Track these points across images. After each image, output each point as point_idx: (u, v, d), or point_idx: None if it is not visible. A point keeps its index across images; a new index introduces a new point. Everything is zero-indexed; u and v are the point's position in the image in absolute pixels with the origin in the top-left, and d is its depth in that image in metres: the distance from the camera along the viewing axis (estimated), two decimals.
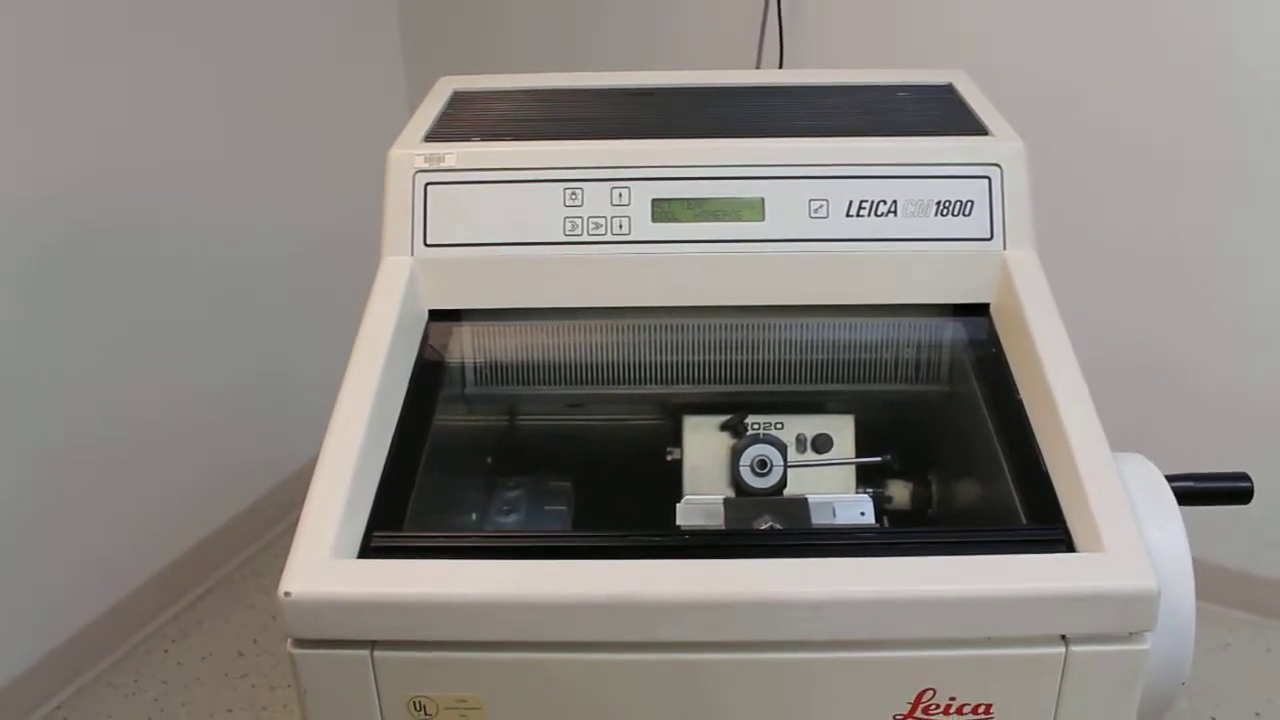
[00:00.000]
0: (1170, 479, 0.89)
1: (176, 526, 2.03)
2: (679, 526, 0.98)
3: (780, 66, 1.92)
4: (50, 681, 1.83)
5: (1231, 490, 0.92)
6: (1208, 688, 1.79)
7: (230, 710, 1.82)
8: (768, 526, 0.95)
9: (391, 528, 0.83)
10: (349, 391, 0.90)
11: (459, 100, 1.19)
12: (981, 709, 0.79)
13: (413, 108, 1.15)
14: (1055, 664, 0.78)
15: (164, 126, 1.85)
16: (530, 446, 1.15)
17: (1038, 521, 0.82)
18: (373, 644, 0.78)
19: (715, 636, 0.76)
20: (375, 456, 0.88)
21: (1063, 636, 0.77)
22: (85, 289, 1.77)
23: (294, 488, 2.14)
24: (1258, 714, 1.76)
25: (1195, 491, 0.89)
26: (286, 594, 0.77)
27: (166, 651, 1.94)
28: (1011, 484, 0.88)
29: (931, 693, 0.79)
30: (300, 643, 0.78)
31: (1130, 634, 0.77)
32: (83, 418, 1.81)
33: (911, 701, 0.79)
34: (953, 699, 0.79)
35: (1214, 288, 1.81)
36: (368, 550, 0.81)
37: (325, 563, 0.78)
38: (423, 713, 0.80)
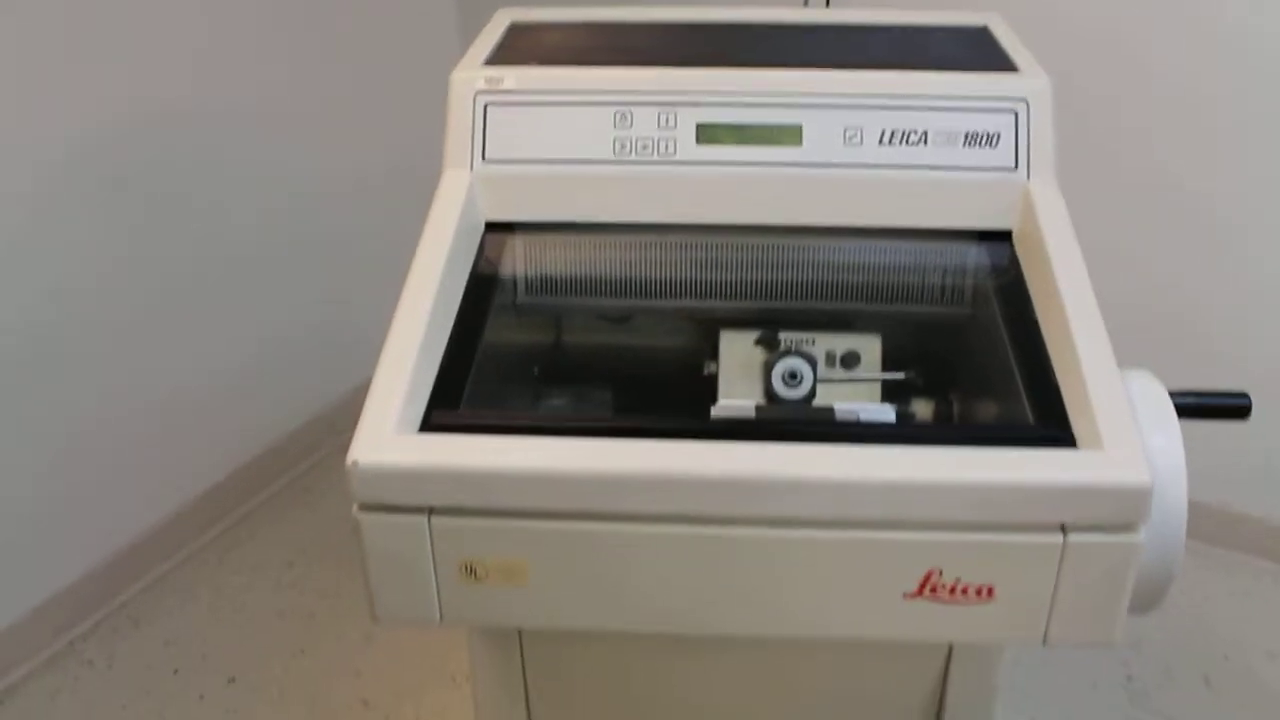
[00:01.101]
0: (1172, 394, 0.95)
1: (230, 444, 2.13)
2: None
3: (827, 6, 1.97)
4: (114, 581, 1.94)
5: (1230, 406, 0.98)
6: (1228, 630, 1.86)
7: (281, 614, 1.92)
8: None
9: (449, 409, 0.91)
10: (412, 288, 0.98)
11: (516, 31, 1.26)
12: (985, 591, 0.86)
13: (465, 44, 1.22)
14: (1054, 552, 0.84)
15: (221, 63, 1.93)
16: (574, 356, 1.22)
17: (1044, 422, 0.89)
18: (430, 510, 0.86)
19: (742, 512, 0.84)
20: (435, 347, 0.95)
21: (1061, 526, 0.84)
22: (149, 224, 1.86)
23: (343, 411, 2.23)
24: (1273, 653, 1.81)
25: (1195, 406, 0.95)
26: (354, 462, 0.85)
27: (221, 561, 2.05)
28: (1023, 394, 0.94)
29: (938, 573, 0.86)
30: (365, 507, 0.86)
31: (1125, 526, 0.84)
32: (141, 344, 1.90)
33: (920, 580, 0.86)
34: (958, 579, 0.86)
35: (1237, 237, 1.85)
36: (428, 426, 0.89)
37: (389, 436, 0.86)
38: (473, 575, 0.88)
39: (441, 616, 0.90)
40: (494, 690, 1.10)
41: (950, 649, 1.05)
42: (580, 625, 0.91)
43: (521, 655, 1.08)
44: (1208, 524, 1.98)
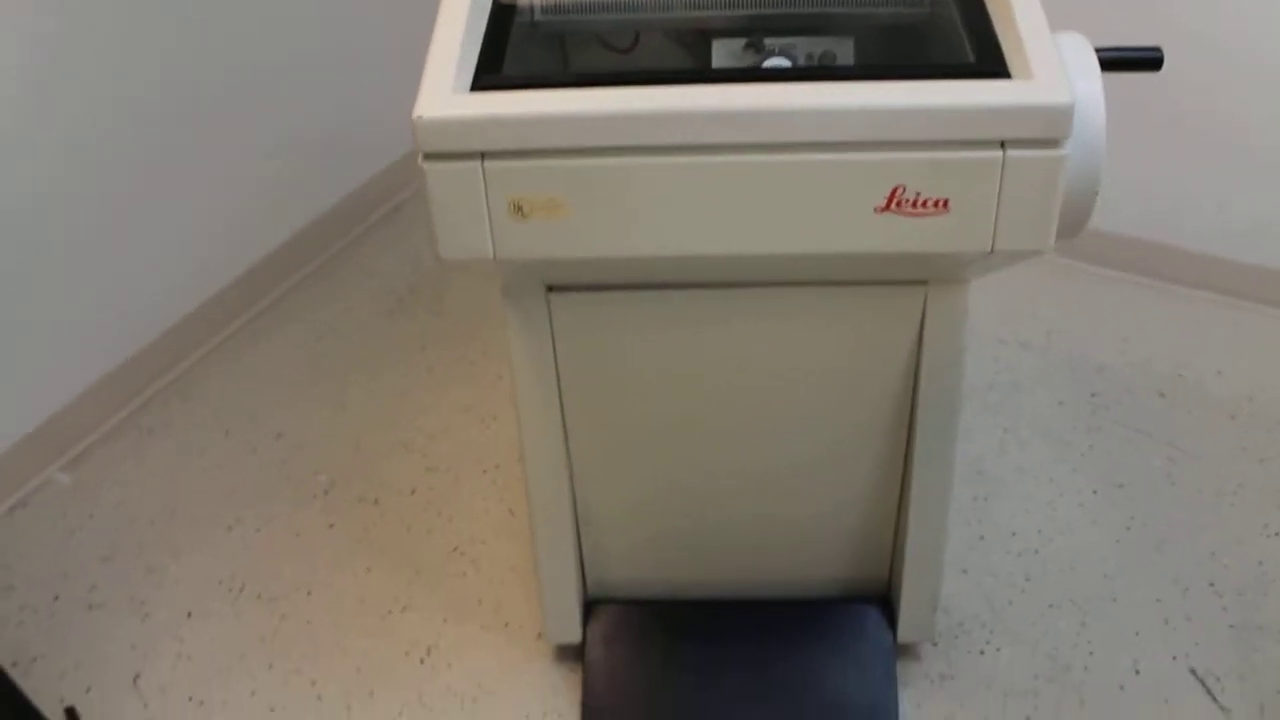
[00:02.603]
0: (1096, 49, 1.13)
1: (256, 237, 2.29)
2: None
3: None
4: (161, 360, 2.13)
5: (1144, 59, 1.16)
6: (1181, 354, 2.07)
7: (316, 380, 2.12)
8: None
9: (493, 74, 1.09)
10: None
11: None
12: (941, 204, 1.05)
13: None
14: (995, 165, 1.03)
15: None
16: (582, 72, 1.39)
17: (984, 60, 1.07)
18: (482, 155, 1.04)
19: (741, 139, 1.02)
20: (475, 33, 1.12)
21: (1001, 143, 1.03)
22: (150, 29, 2.00)
23: (357, 206, 2.39)
24: (1220, 371, 2.04)
25: (1114, 59, 1.14)
26: (419, 117, 1.03)
27: (256, 341, 2.23)
28: (969, 51, 1.12)
29: (902, 189, 1.05)
30: (428, 157, 1.05)
31: (1052, 141, 1.03)
32: (167, 146, 2.05)
33: (887, 195, 1.05)
34: (919, 194, 1.05)
35: None
36: (477, 88, 1.06)
37: (446, 95, 1.04)
38: (520, 212, 1.07)
39: (495, 252, 1.09)
40: (527, 358, 1.29)
41: (926, 297, 1.24)
42: (610, 253, 1.09)
43: (550, 322, 1.26)
44: (1159, 262, 2.19)
